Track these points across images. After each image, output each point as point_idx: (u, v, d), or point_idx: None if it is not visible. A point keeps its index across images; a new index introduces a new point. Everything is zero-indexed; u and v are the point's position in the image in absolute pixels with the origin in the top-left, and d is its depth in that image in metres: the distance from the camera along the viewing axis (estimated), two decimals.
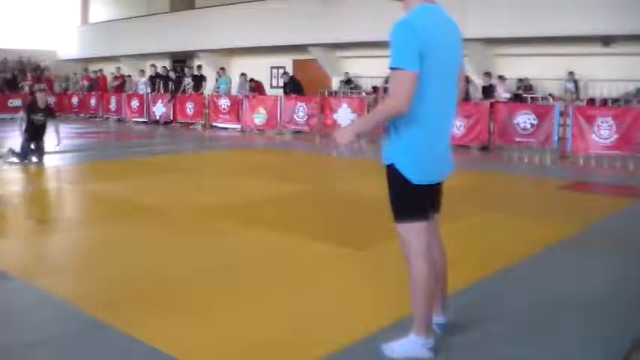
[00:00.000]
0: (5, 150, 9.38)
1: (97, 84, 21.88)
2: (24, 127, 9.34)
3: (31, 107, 9.60)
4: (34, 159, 9.28)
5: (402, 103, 2.48)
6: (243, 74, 17.78)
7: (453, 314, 3.09)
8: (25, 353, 2.86)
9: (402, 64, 2.47)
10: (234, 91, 17.75)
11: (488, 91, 13.20)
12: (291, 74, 17.78)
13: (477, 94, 13.24)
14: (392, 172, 2.70)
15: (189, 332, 3.09)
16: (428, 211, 2.77)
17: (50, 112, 9.72)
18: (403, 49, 2.47)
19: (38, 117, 9.38)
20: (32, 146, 9.30)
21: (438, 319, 2.97)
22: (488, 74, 13.70)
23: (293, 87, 16.31)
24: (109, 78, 22.08)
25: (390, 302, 3.54)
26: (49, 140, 9.64)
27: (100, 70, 22.73)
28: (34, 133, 9.35)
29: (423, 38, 2.49)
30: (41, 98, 9.64)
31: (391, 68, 2.50)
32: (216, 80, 18.32)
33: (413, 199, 2.69)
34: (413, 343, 2.74)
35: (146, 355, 2.85)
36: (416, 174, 2.66)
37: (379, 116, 2.65)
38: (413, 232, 2.71)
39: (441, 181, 2.85)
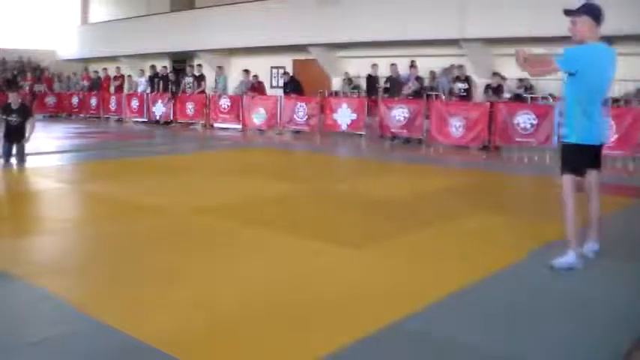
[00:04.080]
0: None
1: (99, 83, 21.80)
2: (1, 129, 9.35)
3: (4, 109, 9.54)
4: (17, 160, 9.24)
5: (550, 69, 4.43)
6: (246, 71, 17.64)
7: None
8: (25, 353, 2.86)
9: (558, 60, 4.24)
10: (230, 90, 17.74)
11: (497, 91, 13.11)
12: (291, 74, 17.78)
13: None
14: (563, 145, 4.36)
15: (189, 332, 3.09)
16: (576, 169, 4.30)
17: (25, 112, 9.59)
18: (564, 57, 4.22)
19: (12, 118, 9.35)
20: (14, 149, 9.28)
21: (593, 246, 4.46)
22: (497, 74, 13.47)
23: (293, 87, 16.31)
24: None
25: (389, 301, 3.55)
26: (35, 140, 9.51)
27: (104, 68, 22.51)
28: (12, 135, 9.34)
29: (580, 61, 4.17)
30: (13, 99, 9.53)
31: (554, 59, 4.32)
32: (216, 80, 18.33)
33: (568, 159, 4.32)
34: (571, 256, 4.16)
35: (146, 354, 2.85)
36: (575, 137, 4.22)
37: (541, 64, 4.57)
38: (564, 181, 4.33)
39: (596, 145, 4.29)
